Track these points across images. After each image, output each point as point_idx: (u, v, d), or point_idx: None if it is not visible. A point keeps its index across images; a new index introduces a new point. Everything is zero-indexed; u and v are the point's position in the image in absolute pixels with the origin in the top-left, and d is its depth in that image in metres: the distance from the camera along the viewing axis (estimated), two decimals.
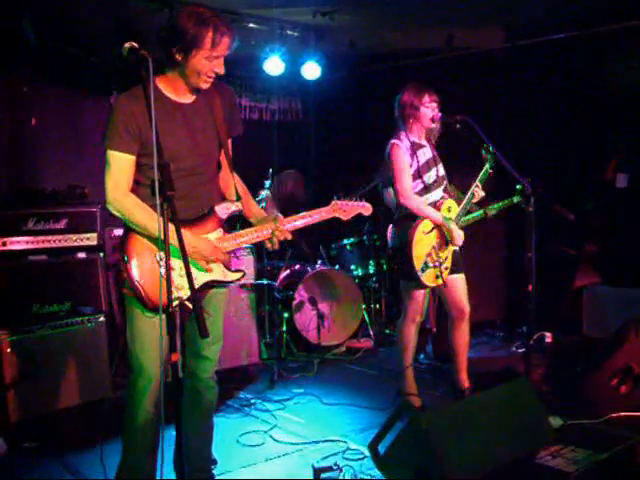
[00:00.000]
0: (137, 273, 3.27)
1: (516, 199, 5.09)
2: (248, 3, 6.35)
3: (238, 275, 3.56)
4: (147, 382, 3.42)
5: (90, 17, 6.32)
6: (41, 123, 6.99)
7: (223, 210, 3.52)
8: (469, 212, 5.13)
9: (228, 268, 3.51)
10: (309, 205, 7.45)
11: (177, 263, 3.20)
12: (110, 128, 3.27)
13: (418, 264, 4.85)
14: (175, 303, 3.24)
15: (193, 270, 3.26)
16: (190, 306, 3.25)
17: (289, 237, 3.62)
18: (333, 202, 3.83)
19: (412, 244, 4.83)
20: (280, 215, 3.62)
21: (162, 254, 3.17)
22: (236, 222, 3.95)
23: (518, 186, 4.98)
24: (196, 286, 3.31)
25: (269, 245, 3.61)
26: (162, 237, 2.79)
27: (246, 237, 3.56)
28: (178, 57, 3.26)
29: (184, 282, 3.07)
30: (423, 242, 4.88)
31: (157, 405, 3.42)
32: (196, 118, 3.45)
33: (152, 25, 6.03)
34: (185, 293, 3.27)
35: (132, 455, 3.53)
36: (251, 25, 6.79)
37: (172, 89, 3.39)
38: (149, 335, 3.36)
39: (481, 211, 5.16)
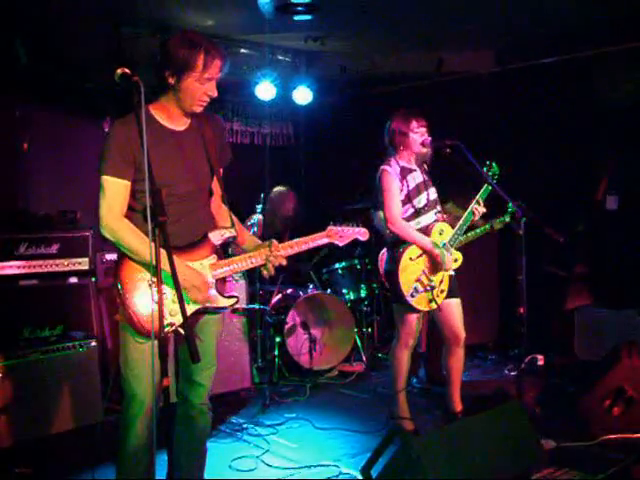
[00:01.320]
0: (130, 299, 3.26)
1: (507, 218, 5.11)
2: (239, 29, 6.41)
3: (232, 301, 3.54)
4: (139, 408, 3.41)
5: (83, 42, 6.36)
6: (33, 147, 7.00)
7: (217, 236, 3.52)
8: (472, 228, 5.13)
9: (221, 294, 3.52)
10: (300, 220, 7.51)
11: (170, 289, 3.22)
12: (105, 154, 3.28)
13: (407, 290, 4.86)
14: (168, 329, 3.25)
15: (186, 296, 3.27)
16: (182, 332, 3.24)
17: (284, 263, 3.61)
18: (329, 228, 3.83)
19: (398, 271, 4.85)
20: (275, 241, 3.63)
21: (154, 280, 3.18)
22: (227, 248, 3.95)
23: (509, 205, 5.00)
24: (189, 312, 3.32)
25: (265, 272, 3.62)
26: (154, 262, 2.79)
27: (240, 264, 3.56)
28: (171, 80, 3.29)
29: (177, 308, 3.05)
30: (410, 268, 4.89)
31: (150, 430, 3.41)
32: (189, 145, 3.47)
33: (144, 51, 6.09)
34: (178, 319, 3.26)
35: (125, 479, 3.51)
36: (242, 50, 6.84)
37: (165, 116, 3.42)
38: (141, 361, 3.35)
39: (487, 225, 5.17)
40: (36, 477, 4.50)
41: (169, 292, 3.25)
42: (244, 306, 6.14)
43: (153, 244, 2.80)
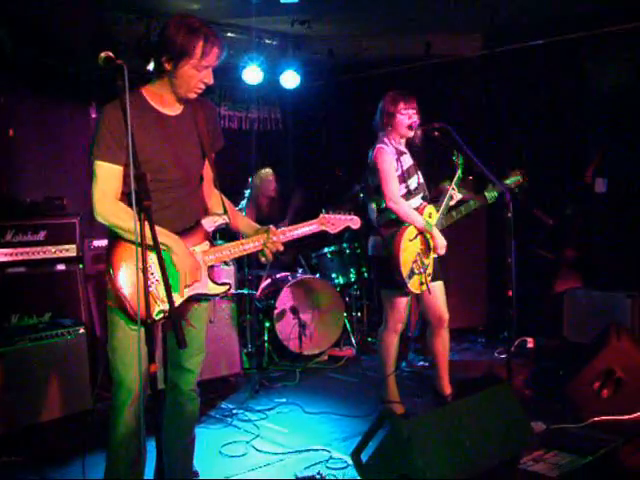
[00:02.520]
0: (123, 284, 3.22)
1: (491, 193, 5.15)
2: (225, 12, 6.36)
3: (224, 288, 3.53)
4: (128, 394, 3.38)
5: (69, 27, 6.30)
6: (19, 134, 6.95)
7: (210, 223, 3.50)
8: (462, 202, 5.16)
9: (213, 281, 3.50)
10: (284, 202, 7.51)
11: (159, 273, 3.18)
12: (98, 138, 3.23)
13: (405, 271, 4.85)
14: (159, 316, 3.24)
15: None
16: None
17: (281, 249, 3.59)
18: (321, 215, 3.82)
19: (399, 252, 4.83)
20: (272, 227, 3.61)
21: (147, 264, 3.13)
22: (215, 233, 3.93)
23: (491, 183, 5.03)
24: (183, 298, 3.32)
25: (262, 258, 3.60)
26: (140, 248, 2.77)
27: (232, 250, 3.54)
28: (167, 66, 3.24)
29: (163, 292, 3.01)
30: (409, 249, 4.88)
31: (139, 417, 3.38)
32: (181, 130, 3.44)
33: (130, 35, 6.05)
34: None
35: (115, 467, 3.49)
36: (229, 34, 6.79)
37: (159, 100, 3.37)
38: (130, 348, 3.31)
39: (472, 201, 5.18)
40: (25, 466, 4.50)
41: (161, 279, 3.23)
42: (233, 291, 6.12)
43: (138, 229, 2.77)
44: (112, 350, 3.40)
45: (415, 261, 4.90)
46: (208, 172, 3.63)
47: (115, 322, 3.36)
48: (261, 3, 5.87)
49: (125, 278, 3.23)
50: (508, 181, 5.24)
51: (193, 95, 3.36)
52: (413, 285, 4.91)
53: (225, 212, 3.59)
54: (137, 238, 2.78)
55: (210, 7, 6.17)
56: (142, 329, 2.75)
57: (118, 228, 3.23)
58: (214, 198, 3.69)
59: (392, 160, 4.95)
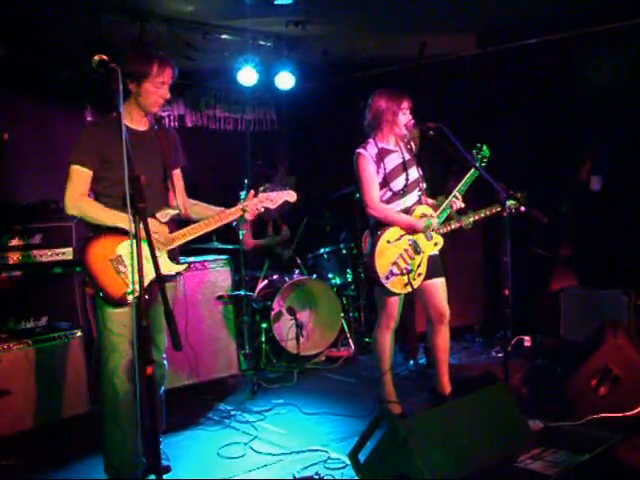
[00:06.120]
0: (96, 274, 3.75)
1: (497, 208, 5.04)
2: (220, 14, 6.35)
3: (184, 266, 4.13)
4: (119, 358, 3.84)
5: (62, 30, 6.30)
6: (14, 137, 6.93)
7: (163, 215, 3.96)
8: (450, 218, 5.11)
9: (172, 261, 4.01)
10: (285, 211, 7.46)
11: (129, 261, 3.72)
12: (76, 146, 3.84)
13: (382, 273, 4.84)
14: (130, 296, 3.72)
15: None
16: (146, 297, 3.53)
17: (261, 209, 4.22)
18: (260, 195, 4.25)
19: (374, 254, 4.84)
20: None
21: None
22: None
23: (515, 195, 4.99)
24: (146, 283, 3.61)
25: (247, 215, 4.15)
26: (134, 244, 3.11)
27: (189, 232, 4.04)
28: (132, 87, 3.83)
29: (136, 277, 3.38)
30: (388, 251, 4.87)
31: (131, 379, 3.81)
32: (146, 142, 3.99)
33: (124, 38, 6.04)
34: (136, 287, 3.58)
35: (115, 432, 3.85)
36: (224, 36, 6.78)
37: (128, 118, 3.92)
38: (121, 323, 3.81)
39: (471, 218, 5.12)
40: (21, 469, 4.49)
41: (129, 264, 3.72)
42: (230, 293, 6.13)
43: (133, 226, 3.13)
44: (104, 327, 3.87)
45: (395, 263, 4.88)
46: (179, 185, 4.25)
47: (102, 307, 3.86)
48: (255, 4, 5.87)
49: (97, 268, 3.76)
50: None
51: (156, 108, 3.99)
52: (395, 286, 4.89)
53: (177, 207, 4.08)
54: (131, 237, 3.12)
55: (204, 9, 6.16)
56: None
57: (87, 217, 3.83)
58: (192, 206, 4.26)
59: (371, 166, 4.94)
